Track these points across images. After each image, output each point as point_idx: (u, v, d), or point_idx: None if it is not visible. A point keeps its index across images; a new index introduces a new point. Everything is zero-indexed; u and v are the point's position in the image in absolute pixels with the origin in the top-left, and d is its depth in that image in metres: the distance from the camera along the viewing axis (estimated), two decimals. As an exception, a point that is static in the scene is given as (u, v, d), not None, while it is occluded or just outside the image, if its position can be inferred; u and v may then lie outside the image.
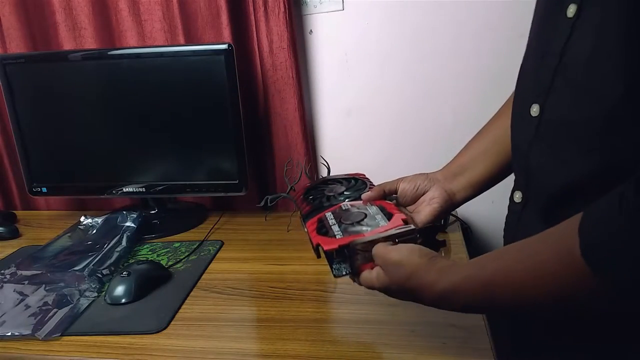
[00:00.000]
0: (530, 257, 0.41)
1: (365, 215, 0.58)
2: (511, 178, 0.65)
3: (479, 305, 0.47)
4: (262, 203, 1.01)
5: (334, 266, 0.54)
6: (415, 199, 0.64)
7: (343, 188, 0.68)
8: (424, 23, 1.00)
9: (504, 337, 0.62)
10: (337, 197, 0.65)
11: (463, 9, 0.98)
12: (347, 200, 0.64)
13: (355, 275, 0.54)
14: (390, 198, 0.65)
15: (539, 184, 0.50)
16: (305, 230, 0.61)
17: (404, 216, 0.56)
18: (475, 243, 1.10)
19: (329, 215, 0.61)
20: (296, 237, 0.98)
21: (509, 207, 0.57)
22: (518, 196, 0.54)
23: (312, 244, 0.56)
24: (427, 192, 0.63)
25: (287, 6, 0.97)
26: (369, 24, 1.02)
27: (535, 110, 0.49)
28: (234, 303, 0.76)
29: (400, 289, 0.50)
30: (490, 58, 1.00)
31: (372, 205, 0.61)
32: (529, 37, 0.56)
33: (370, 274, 0.52)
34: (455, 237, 0.93)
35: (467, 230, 1.04)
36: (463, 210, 0.99)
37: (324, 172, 1.00)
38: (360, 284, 0.54)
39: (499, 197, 1.08)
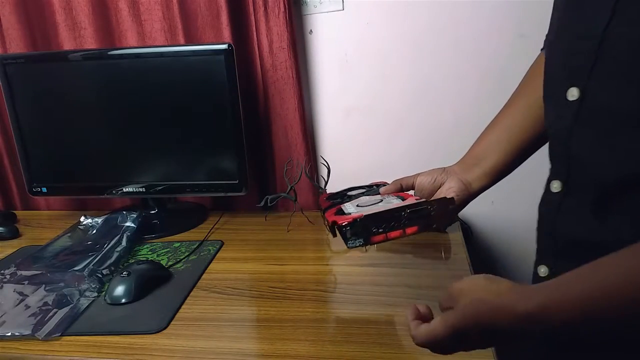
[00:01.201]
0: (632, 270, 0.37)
1: (381, 200, 0.62)
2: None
3: (573, 326, 0.39)
4: (262, 203, 1.02)
5: (349, 241, 0.56)
6: (432, 192, 0.65)
7: (364, 190, 0.72)
8: (424, 23, 1.00)
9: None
10: (357, 196, 0.69)
11: (463, 9, 0.98)
12: (366, 195, 0.68)
13: (367, 244, 0.57)
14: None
15: (584, 173, 0.47)
16: (325, 223, 0.65)
17: (418, 198, 0.60)
18: (475, 243, 1.10)
19: (347, 204, 0.65)
20: (296, 237, 0.98)
21: (543, 198, 0.54)
22: (556, 186, 0.51)
23: (327, 226, 0.60)
24: (444, 184, 0.64)
25: (287, 6, 0.97)
26: (369, 24, 1.02)
27: (574, 94, 0.46)
28: (234, 303, 0.76)
29: (468, 322, 0.42)
30: (491, 58, 1.00)
31: (389, 196, 0.65)
32: (555, 17, 0.52)
33: (430, 325, 0.46)
34: (455, 237, 0.93)
35: (467, 230, 1.04)
36: (463, 210, 0.99)
37: (324, 172, 1.01)
38: (415, 337, 0.47)
39: (499, 197, 1.09)
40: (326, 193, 0.78)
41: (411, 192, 0.68)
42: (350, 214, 0.60)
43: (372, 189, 0.73)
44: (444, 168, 0.67)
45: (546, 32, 0.57)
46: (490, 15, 0.97)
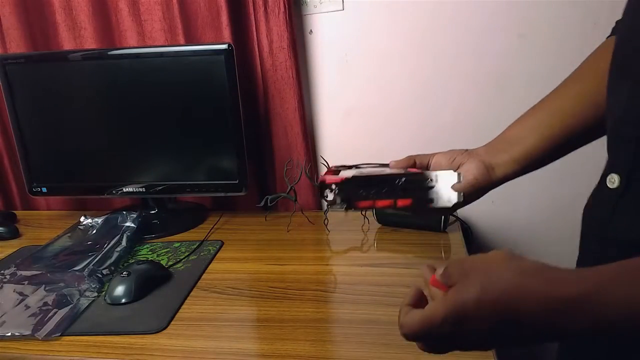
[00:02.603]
0: None
1: (385, 171, 0.54)
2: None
3: (627, 323, 0.32)
4: (262, 203, 1.02)
5: (332, 204, 0.51)
6: None
7: (376, 166, 0.63)
8: (424, 23, 1.00)
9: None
10: (365, 167, 0.61)
11: (463, 9, 0.98)
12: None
13: (349, 209, 0.50)
14: None
15: None
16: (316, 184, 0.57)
17: (421, 171, 0.52)
18: (475, 243, 1.10)
19: (347, 170, 0.57)
20: (296, 237, 0.98)
21: (594, 194, 0.48)
22: (614, 180, 0.44)
23: (317, 186, 0.53)
24: (462, 165, 0.55)
25: (287, 6, 0.97)
26: (369, 24, 1.02)
27: None
28: (233, 303, 0.76)
29: (481, 305, 0.34)
30: (491, 58, 1.00)
31: (397, 169, 0.56)
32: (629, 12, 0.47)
33: (423, 311, 0.37)
34: (455, 237, 0.93)
35: (467, 230, 1.04)
36: (463, 210, 0.99)
37: (324, 172, 1.00)
38: (403, 326, 0.38)
39: (499, 197, 1.09)
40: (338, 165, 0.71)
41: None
42: (343, 176, 0.53)
43: (386, 165, 0.64)
44: (467, 149, 0.57)
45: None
46: (490, 15, 0.97)
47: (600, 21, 0.94)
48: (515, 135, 0.57)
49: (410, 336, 0.38)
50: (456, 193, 0.50)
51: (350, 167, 0.65)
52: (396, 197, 0.51)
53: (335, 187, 0.50)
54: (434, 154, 0.58)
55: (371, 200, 0.49)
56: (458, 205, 0.52)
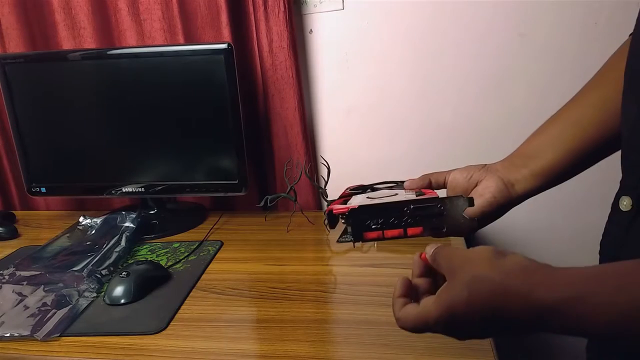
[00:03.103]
0: None
1: (396, 195, 0.52)
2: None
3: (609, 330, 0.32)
4: (262, 203, 1.02)
5: (342, 236, 0.49)
6: (467, 191, 0.54)
7: (393, 185, 0.62)
8: (424, 23, 1.00)
9: None
10: (381, 189, 0.59)
11: (463, 9, 0.98)
12: (387, 189, 0.58)
13: (358, 240, 0.49)
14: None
15: None
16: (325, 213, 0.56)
17: (436, 194, 0.50)
18: (475, 243, 1.09)
19: (359, 195, 0.56)
20: (296, 237, 0.98)
21: (610, 217, 0.46)
22: (626, 203, 0.43)
23: (325, 214, 0.51)
24: (481, 182, 0.53)
25: (287, 6, 0.97)
26: (369, 24, 1.02)
27: None
28: (233, 303, 0.75)
29: (471, 306, 0.35)
30: (491, 58, 1.00)
31: (410, 192, 0.54)
32: None
33: (419, 306, 0.39)
34: (456, 238, 0.93)
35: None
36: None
37: (324, 172, 1.00)
38: (400, 320, 0.41)
39: (499, 197, 1.08)
40: (355, 185, 0.69)
41: (441, 192, 0.57)
42: (351, 204, 0.51)
43: (402, 183, 0.61)
44: (485, 164, 0.55)
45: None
46: (490, 15, 0.97)
47: (600, 21, 0.94)
48: (534, 148, 0.54)
49: (406, 329, 0.40)
50: (469, 218, 0.48)
51: (365, 188, 0.64)
52: (406, 226, 0.49)
53: (342, 217, 0.49)
54: (450, 172, 0.56)
55: (380, 231, 0.48)
56: (473, 230, 0.50)
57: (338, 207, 0.50)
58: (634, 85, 0.43)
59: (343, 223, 0.50)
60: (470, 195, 0.52)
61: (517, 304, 0.34)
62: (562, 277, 0.34)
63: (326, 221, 0.54)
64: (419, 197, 0.47)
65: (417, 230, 0.49)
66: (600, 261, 0.48)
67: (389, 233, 0.49)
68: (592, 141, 0.50)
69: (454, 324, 0.37)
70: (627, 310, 0.31)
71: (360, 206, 0.48)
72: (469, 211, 0.50)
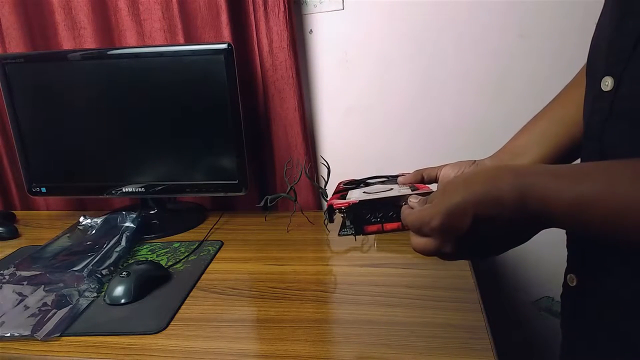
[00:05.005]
0: None
1: (391, 189, 0.54)
2: None
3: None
4: (262, 203, 1.02)
5: (342, 229, 0.52)
6: None
7: (385, 179, 0.65)
8: (424, 23, 1.00)
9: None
10: (374, 183, 0.62)
11: (463, 9, 0.98)
12: (380, 183, 0.60)
13: (359, 234, 0.51)
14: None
15: None
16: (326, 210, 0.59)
17: (430, 189, 0.52)
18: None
19: (355, 190, 0.58)
20: (296, 237, 0.98)
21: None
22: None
23: (325, 211, 0.55)
24: None
25: (287, 6, 0.97)
26: (369, 24, 1.02)
27: (607, 83, 0.40)
28: (233, 303, 0.76)
29: (457, 205, 0.39)
30: (491, 58, 1.00)
31: (404, 186, 0.57)
32: (604, 5, 0.47)
33: (415, 214, 0.43)
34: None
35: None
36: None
37: (324, 172, 1.00)
38: (404, 219, 0.45)
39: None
40: (347, 179, 0.72)
41: (433, 186, 0.59)
42: (350, 198, 0.54)
43: (394, 178, 0.66)
44: (475, 160, 0.58)
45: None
46: (490, 15, 0.97)
47: (600, 21, 0.94)
48: (520, 145, 0.56)
49: (407, 225, 0.44)
50: None
51: (358, 182, 0.66)
52: None
53: (343, 211, 0.51)
54: (441, 167, 0.59)
55: (379, 224, 0.50)
56: None
57: (338, 202, 0.52)
58: (589, 74, 0.45)
59: (342, 217, 0.52)
60: None
61: (506, 181, 0.37)
62: (541, 166, 0.38)
63: (326, 214, 0.57)
64: (414, 192, 0.50)
65: None
66: (567, 247, 0.50)
67: (388, 226, 0.52)
68: (576, 138, 0.52)
69: (450, 217, 0.39)
70: (588, 192, 0.34)
71: (360, 201, 0.50)
72: None
